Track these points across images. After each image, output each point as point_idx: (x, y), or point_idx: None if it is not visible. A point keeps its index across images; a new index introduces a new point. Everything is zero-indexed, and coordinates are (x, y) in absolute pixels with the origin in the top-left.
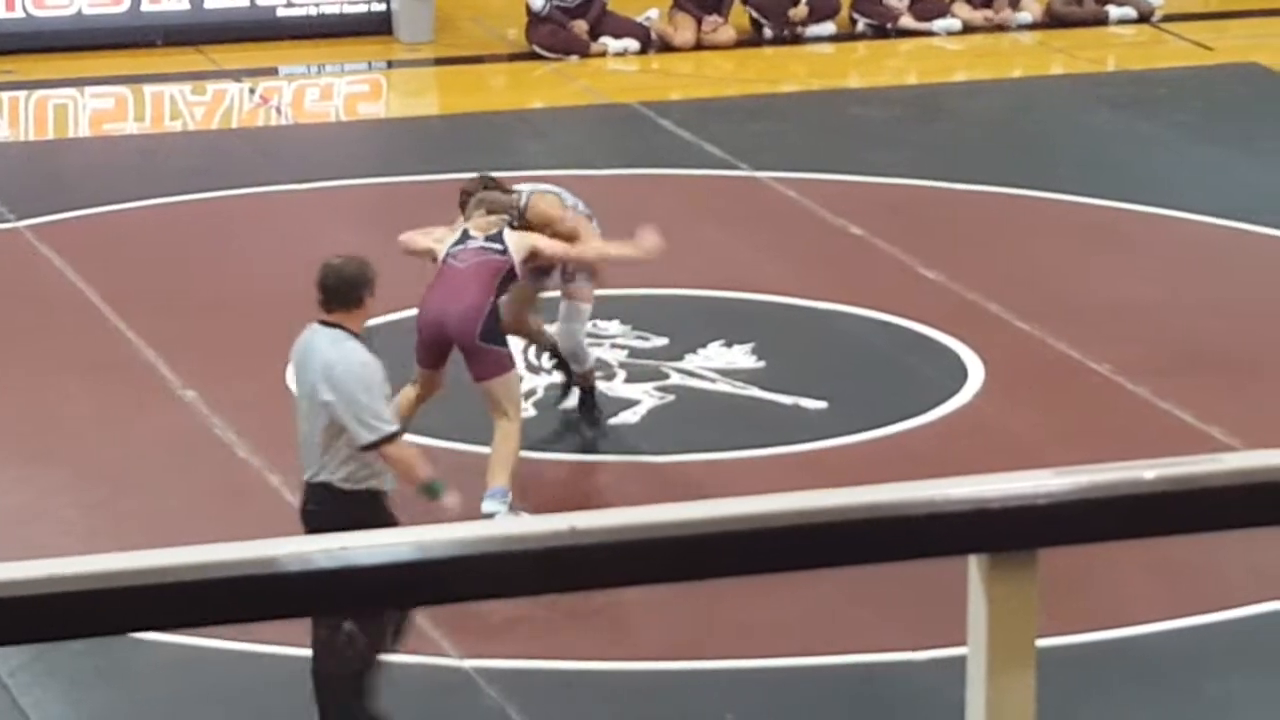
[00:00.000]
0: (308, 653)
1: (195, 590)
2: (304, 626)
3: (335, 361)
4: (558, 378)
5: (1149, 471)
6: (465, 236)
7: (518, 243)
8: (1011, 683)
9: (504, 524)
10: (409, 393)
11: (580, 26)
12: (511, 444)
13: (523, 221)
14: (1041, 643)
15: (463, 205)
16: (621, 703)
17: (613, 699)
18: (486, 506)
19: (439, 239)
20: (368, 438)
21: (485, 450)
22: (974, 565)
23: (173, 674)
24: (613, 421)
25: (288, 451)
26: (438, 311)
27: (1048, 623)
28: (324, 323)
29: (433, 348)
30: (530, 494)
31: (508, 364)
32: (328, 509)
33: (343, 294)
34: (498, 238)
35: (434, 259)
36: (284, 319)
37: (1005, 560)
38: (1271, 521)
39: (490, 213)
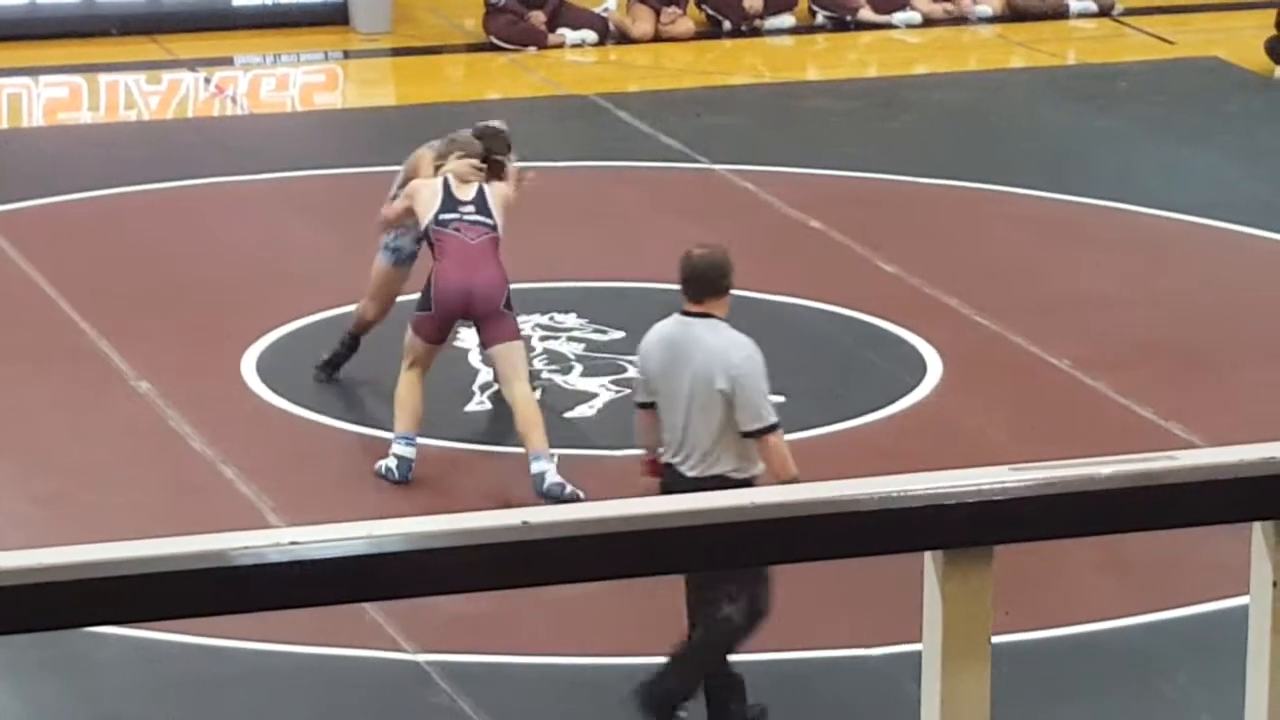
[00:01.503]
0: (264, 647)
1: (148, 584)
2: (264, 621)
3: (729, 348)
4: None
5: (1105, 468)
6: (453, 201)
7: (499, 202)
8: (966, 678)
9: (456, 519)
10: (411, 378)
11: (538, 18)
12: (534, 405)
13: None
14: (997, 639)
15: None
16: (577, 698)
17: (568, 694)
18: (539, 466)
19: (421, 200)
20: (758, 425)
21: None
22: (930, 561)
23: (126, 667)
24: (569, 415)
25: (243, 443)
26: (463, 284)
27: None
28: (691, 313)
29: (449, 321)
30: (485, 488)
31: (518, 329)
32: None
33: (713, 282)
34: (483, 204)
35: (417, 222)
36: (239, 310)
37: (961, 556)
38: (1226, 518)
39: (464, 155)
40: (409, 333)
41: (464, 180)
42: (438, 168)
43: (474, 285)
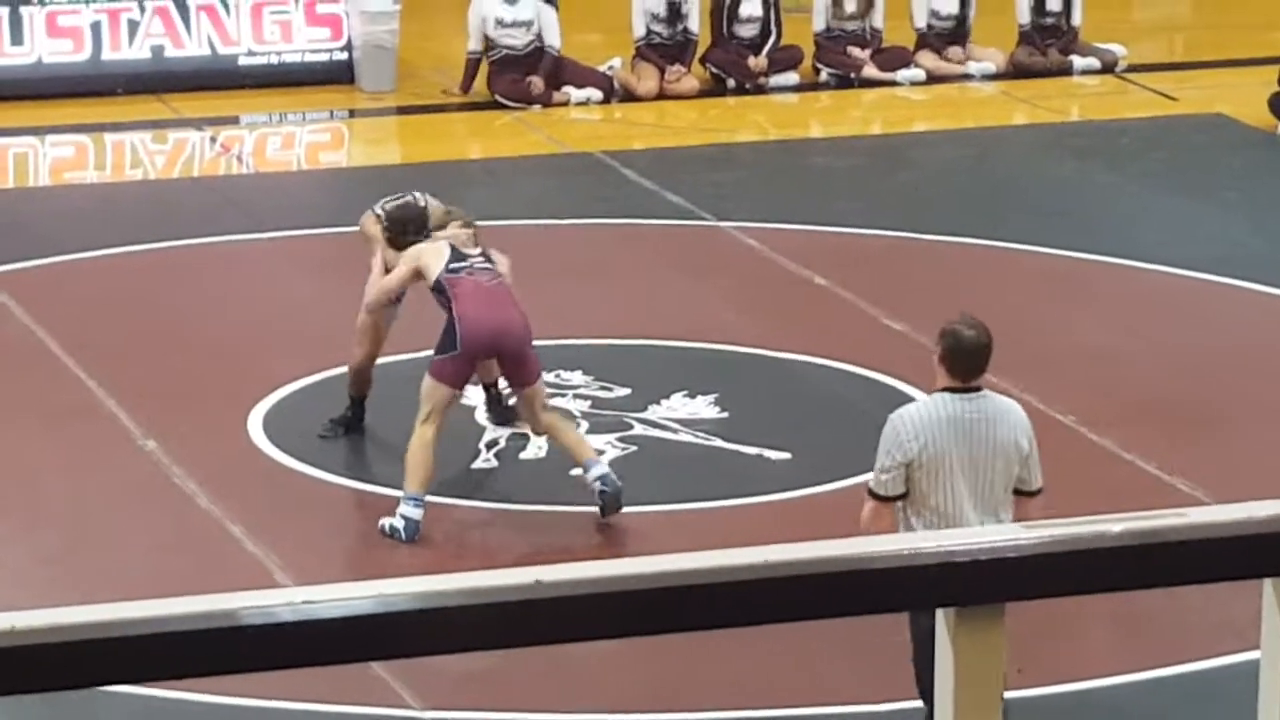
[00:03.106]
0: (272, 705)
1: (159, 644)
2: (271, 678)
3: (1023, 416)
4: (521, 428)
5: (1116, 526)
6: (461, 255)
7: (504, 265)
8: None
9: (467, 577)
10: (426, 436)
11: (536, 84)
12: (570, 427)
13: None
14: (1007, 695)
15: (403, 231)
16: None
17: None
18: (598, 471)
19: (427, 256)
20: (1041, 482)
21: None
22: (941, 618)
23: None
24: (575, 472)
25: (250, 501)
26: (493, 321)
27: (1013, 676)
28: (965, 390)
29: (476, 361)
30: (492, 546)
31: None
32: None
33: (987, 362)
34: (489, 258)
35: (424, 279)
36: (246, 368)
37: (972, 614)
38: (1237, 575)
39: (464, 224)
40: (428, 382)
41: (465, 244)
42: (389, 233)
43: (505, 321)
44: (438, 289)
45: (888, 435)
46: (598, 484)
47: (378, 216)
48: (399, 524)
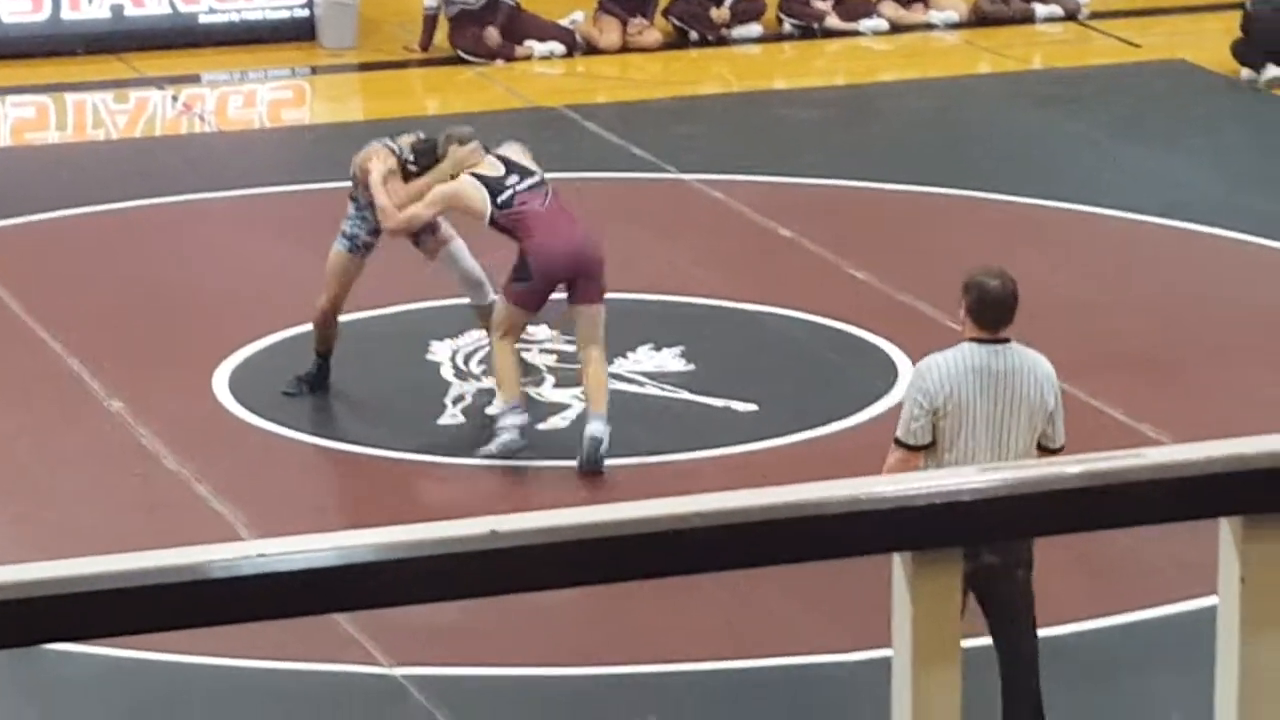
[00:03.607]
0: (238, 663)
1: (117, 599)
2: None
3: (1050, 370)
4: (488, 383)
5: (1073, 467)
6: (496, 183)
7: (520, 153)
8: (936, 680)
9: (424, 528)
10: (506, 348)
11: (491, 35)
12: (605, 368)
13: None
14: (967, 643)
15: (429, 165)
16: (552, 708)
17: (543, 704)
18: (598, 430)
19: (467, 198)
20: (1064, 440)
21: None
22: (898, 563)
23: (95, 685)
24: (542, 427)
25: (216, 460)
26: (578, 242)
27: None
28: (992, 341)
29: (554, 287)
30: (457, 500)
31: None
32: None
33: (1014, 312)
34: (515, 164)
35: (489, 202)
36: (210, 327)
37: (929, 558)
38: (1195, 515)
39: (463, 143)
40: (503, 305)
41: (479, 163)
42: (416, 167)
43: (577, 246)
44: (498, 226)
45: (914, 383)
46: (590, 441)
47: (392, 150)
48: (510, 436)
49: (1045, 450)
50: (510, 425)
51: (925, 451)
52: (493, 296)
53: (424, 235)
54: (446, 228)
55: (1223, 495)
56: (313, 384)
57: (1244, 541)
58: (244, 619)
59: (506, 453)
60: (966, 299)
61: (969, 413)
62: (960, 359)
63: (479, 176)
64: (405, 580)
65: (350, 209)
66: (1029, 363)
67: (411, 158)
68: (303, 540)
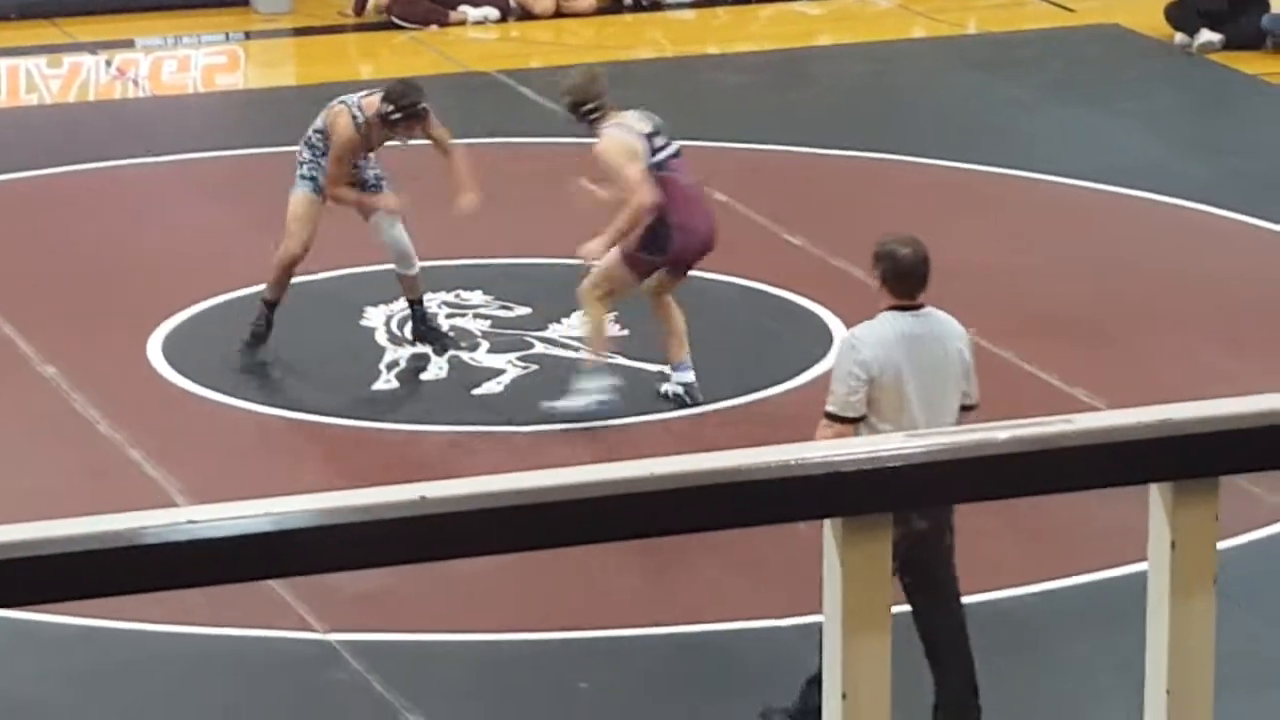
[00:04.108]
0: (170, 629)
1: (44, 566)
2: (169, 604)
3: (963, 330)
4: (421, 348)
5: (1002, 433)
6: (649, 142)
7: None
8: (866, 646)
9: (354, 495)
10: (602, 311)
11: None
12: (681, 323)
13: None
14: (898, 609)
15: (597, 96)
16: (486, 673)
17: (478, 670)
18: (686, 376)
19: (630, 150)
20: (978, 396)
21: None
22: (829, 529)
23: (25, 652)
24: (477, 392)
25: (150, 426)
26: (707, 234)
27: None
28: (912, 308)
29: (685, 265)
30: (394, 467)
31: None
32: None
33: (927, 277)
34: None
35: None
36: (144, 293)
37: (859, 524)
38: (1124, 480)
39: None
40: (618, 267)
41: (629, 121)
42: (401, 114)
43: (711, 233)
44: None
45: (845, 356)
46: (678, 388)
47: (354, 115)
48: (589, 400)
49: (964, 409)
50: (592, 389)
51: (858, 423)
52: (418, 266)
53: (364, 190)
54: (381, 195)
55: (1153, 461)
56: (262, 336)
57: (1174, 507)
58: (176, 585)
59: (580, 417)
60: (880, 268)
61: (902, 380)
62: (888, 327)
63: (625, 126)
64: (336, 546)
65: (305, 154)
66: (946, 325)
67: (390, 109)
68: (234, 507)
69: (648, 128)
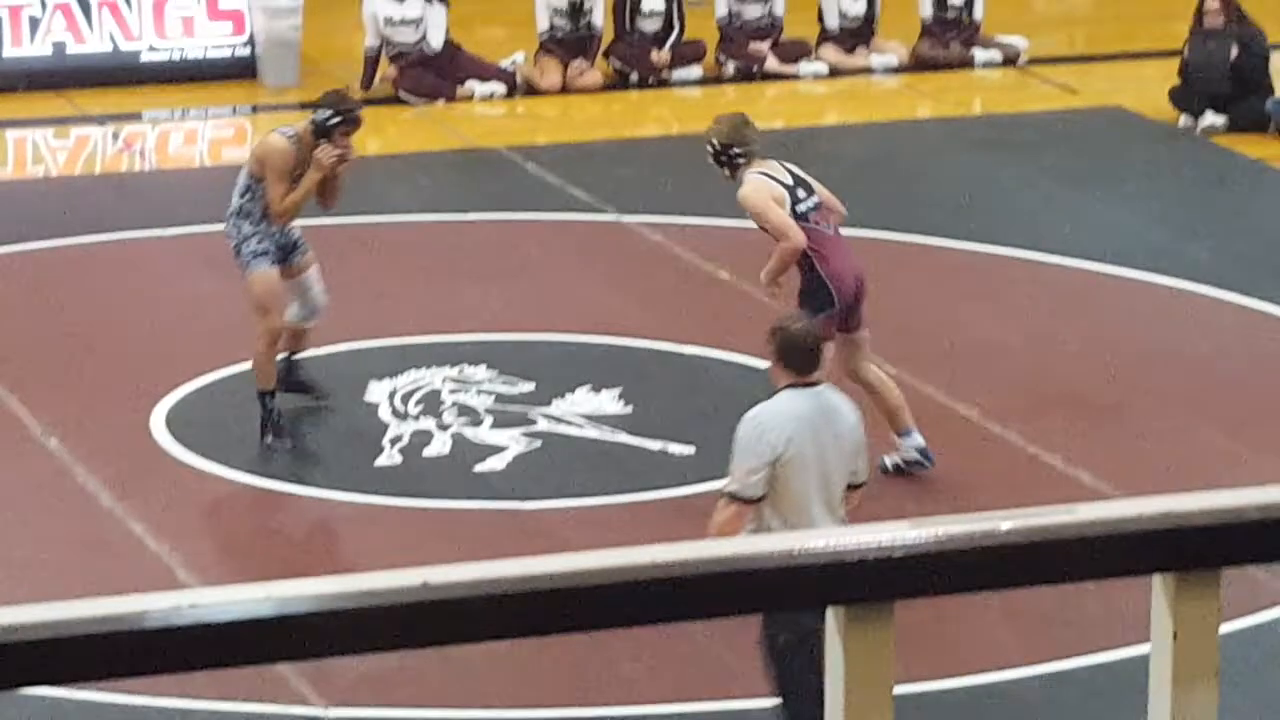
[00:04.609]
0: (173, 703)
1: (52, 649)
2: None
3: (854, 405)
4: (425, 424)
5: (1005, 523)
6: (790, 192)
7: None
8: None
9: (356, 579)
10: (878, 379)
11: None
12: (893, 388)
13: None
14: (899, 689)
15: (745, 143)
16: None
17: None
18: (916, 441)
19: (776, 197)
20: (868, 475)
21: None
22: (831, 616)
23: None
24: (479, 468)
25: (152, 500)
26: (858, 274)
27: (904, 670)
28: (809, 384)
29: (854, 308)
30: (396, 543)
31: None
32: None
33: (822, 354)
34: (800, 180)
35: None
36: (148, 365)
37: (862, 611)
38: (1126, 571)
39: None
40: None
41: (772, 171)
42: (340, 118)
43: (862, 276)
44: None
45: (750, 436)
46: (922, 453)
47: (289, 139)
48: (915, 456)
49: (852, 487)
50: (914, 448)
51: (762, 502)
52: (315, 323)
53: (294, 254)
54: (310, 253)
55: (1155, 552)
56: (278, 426)
57: (1176, 597)
58: (179, 669)
59: (914, 467)
60: (775, 347)
61: (806, 459)
62: (790, 406)
63: (780, 182)
64: (339, 632)
65: (246, 228)
66: (841, 402)
67: (329, 115)
68: (236, 590)
69: (788, 179)
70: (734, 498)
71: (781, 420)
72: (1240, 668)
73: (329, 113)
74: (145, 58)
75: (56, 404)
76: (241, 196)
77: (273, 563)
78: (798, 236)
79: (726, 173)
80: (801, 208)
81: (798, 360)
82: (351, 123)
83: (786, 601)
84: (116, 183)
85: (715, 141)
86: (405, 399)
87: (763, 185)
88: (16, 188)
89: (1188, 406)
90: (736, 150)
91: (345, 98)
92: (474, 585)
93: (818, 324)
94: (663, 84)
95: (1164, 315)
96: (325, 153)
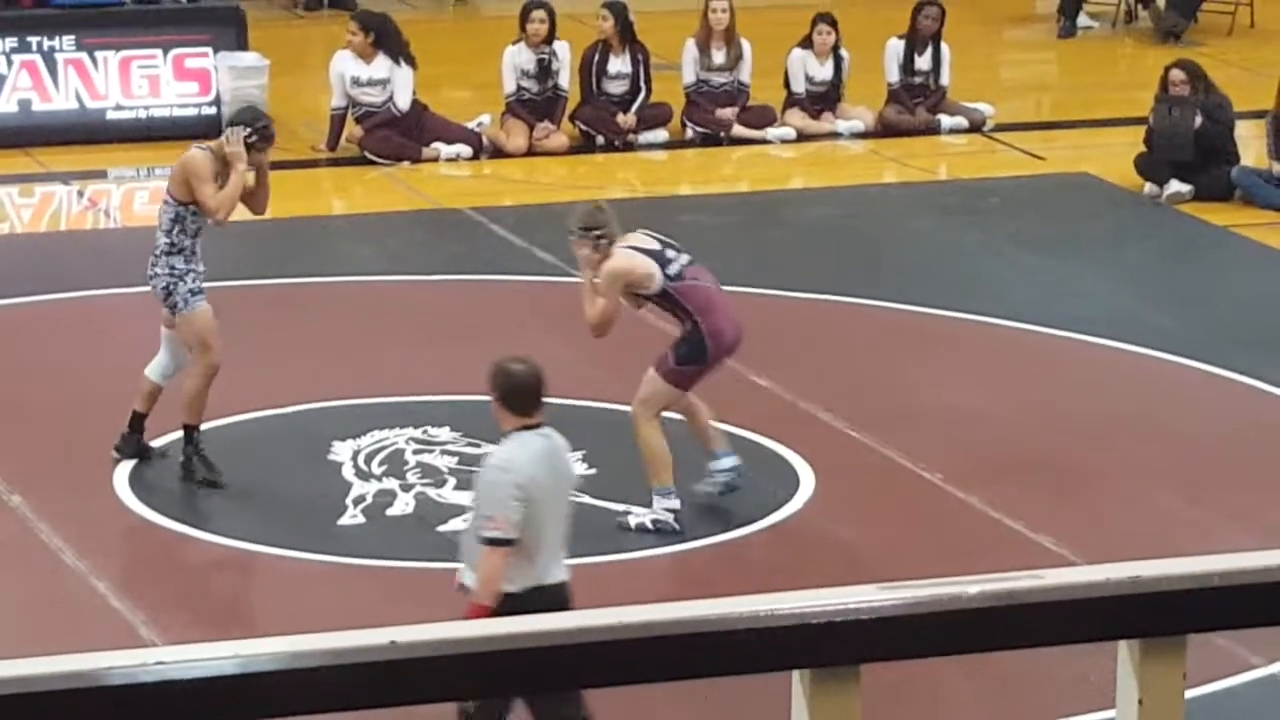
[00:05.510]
0: None
1: (15, 705)
2: None
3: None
4: (389, 484)
5: (972, 588)
6: (660, 254)
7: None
8: None
9: (323, 638)
10: (657, 429)
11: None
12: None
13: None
14: None
15: (601, 225)
16: None
17: None
18: (731, 461)
19: (638, 267)
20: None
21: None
22: (797, 679)
23: None
24: (443, 529)
25: (115, 557)
26: (737, 333)
27: None
28: (536, 425)
29: (716, 368)
30: (360, 604)
31: None
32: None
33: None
34: (668, 243)
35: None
36: (111, 424)
37: (828, 675)
38: (1092, 637)
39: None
40: (662, 386)
41: (636, 242)
42: (257, 136)
43: (739, 331)
44: (664, 299)
45: (501, 482)
46: (736, 471)
47: (210, 152)
48: (665, 517)
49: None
50: (663, 510)
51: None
52: (166, 382)
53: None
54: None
55: (1120, 618)
56: (207, 461)
57: (1142, 664)
58: None
59: (660, 529)
60: (498, 391)
61: (549, 498)
62: (529, 447)
63: (645, 249)
64: (305, 690)
65: (180, 265)
66: (563, 441)
67: (246, 132)
68: (201, 648)
69: (654, 244)
70: (495, 543)
71: (525, 462)
72: None
73: (245, 130)
74: (111, 116)
75: (19, 462)
76: (169, 232)
77: (237, 622)
78: (603, 329)
79: (597, 256)
80: (672, 270)
81: (520, 403)
82: (266, 138)
83: (753, 665)
84: (81, 241)
85: (576, 228)
86: (369, 459)
87: (624, 261)
88: None
89: (1151, 473)
90: (598, 232)
91: (259, 113)
92: (440, 645)
93: (535, 365)
94: (628, 147)
95: (1128, 382)
96: (234, 142)
